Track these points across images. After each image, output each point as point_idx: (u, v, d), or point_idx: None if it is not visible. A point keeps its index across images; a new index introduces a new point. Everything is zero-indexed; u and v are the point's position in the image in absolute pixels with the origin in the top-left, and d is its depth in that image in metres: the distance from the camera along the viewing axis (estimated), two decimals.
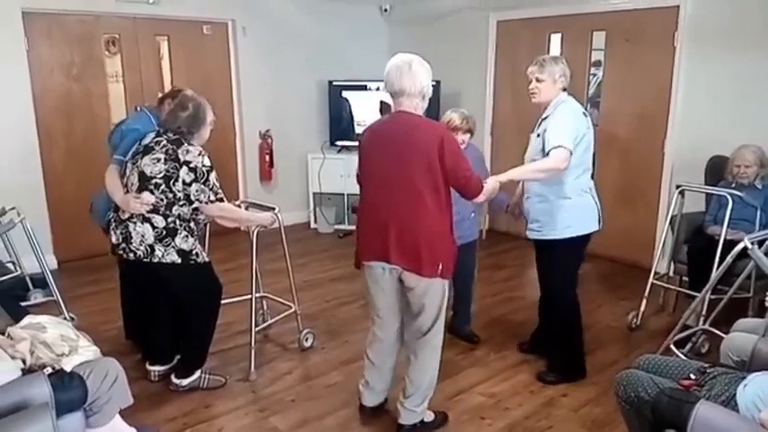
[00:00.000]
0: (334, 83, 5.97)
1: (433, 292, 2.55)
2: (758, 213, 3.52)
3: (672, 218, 3.88)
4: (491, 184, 2.69)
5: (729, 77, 4.25)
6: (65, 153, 4.89)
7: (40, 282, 3.94)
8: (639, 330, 3.77)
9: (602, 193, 4.95)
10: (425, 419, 2.77)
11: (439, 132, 2.42)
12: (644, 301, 3.77)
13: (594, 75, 5.31)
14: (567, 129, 2.80)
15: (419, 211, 2.43)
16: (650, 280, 3.79)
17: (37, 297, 3.99)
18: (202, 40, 5.54)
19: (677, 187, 3.76)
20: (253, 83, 5.79)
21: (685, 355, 2.98)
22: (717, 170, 4.06)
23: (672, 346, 3.00)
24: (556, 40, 5.30)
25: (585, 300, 4.36)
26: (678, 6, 4.39)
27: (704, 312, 3.31)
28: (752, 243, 2.45)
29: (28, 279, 4.07)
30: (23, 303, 3.80)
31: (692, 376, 2.12)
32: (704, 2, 4.30)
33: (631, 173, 4.89)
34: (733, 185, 3.75)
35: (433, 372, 2.71)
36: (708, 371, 2.12)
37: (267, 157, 5.94)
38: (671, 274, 4.08)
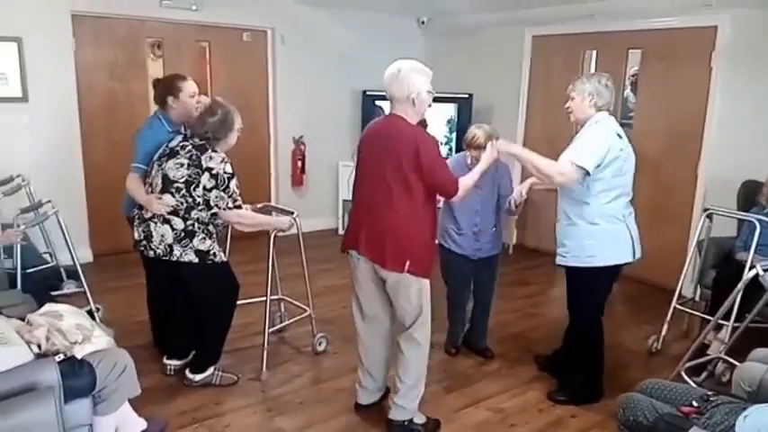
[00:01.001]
0: (368, 92, 6.04)
1: (405, 287, 2.64)
2: None
3: (699, 242, 3.78)
4: (489, 150, 2.80)
5: (766, 100, 4.12)
6: (105, 150, 5.09)
7: (73, 273, 4.10)
8: (659, 355, 3.68)
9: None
10: (416, 420, 2.82)
11: (415, 136, 2.54)
12: (665, 326, 3.68)
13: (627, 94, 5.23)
14: (589, 147, 2.71)
15: (389, 209, 2.57)
16: (673, 304, 3.70)
17: (69, 288, 4.15)
18: (241, 46, 5.70)
19: (704, 210, 3.66)
20: (288, 90, 5.91)
21: (700, 384, 2.89)
22: (749, 195, 3.94)
23: (683, 373, 2.92)
24: (591, 57, 5.24)
25: (608, 321, 4.28)
26: (716, 27, 4.30)
27: (726, 340, 3.21)
28: (765, 270, 2.37)
29: (62, 270, 4.25)
30: (55, 293, 3.97)
31: (695, 403, 2.08)
32: (742, 23, 4.19)
33: (663, 194, 4.79)
34: (766, 210, 3.64)
35: (419, 368, 2.77)
36: (711, 399, 2.08)
37: (299, 163, 6.05)
38: (696, 299, 3.97)
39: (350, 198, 6.24)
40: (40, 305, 2.70)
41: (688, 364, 2.99)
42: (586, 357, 3.08)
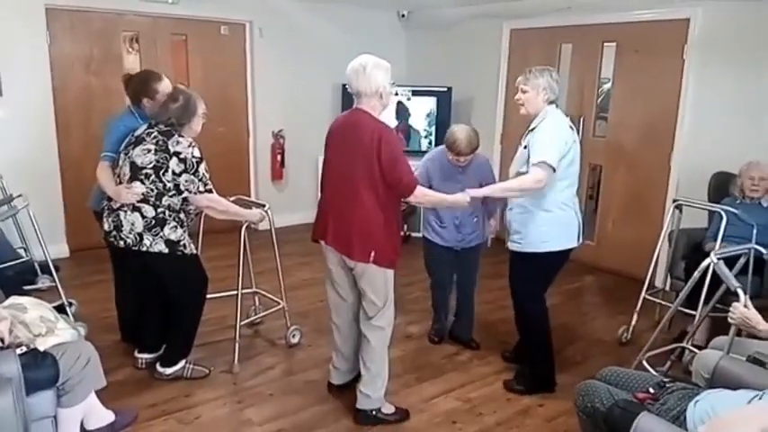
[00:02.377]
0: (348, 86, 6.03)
1: (371, 277, 2.71)
2: (754, 232, 3.44)
3: (670, 233, 3.82)
4: (459, 197, 2.83)
5: (738, 92, 4.18)
6: (81, 145, 5.05)
7: (48, 268, 4.09)
8: (629, 345, 3.72)
9: (608, 205, 4.94)
10: (383, 410, 2.88)
11: (378, 131, 2.57)
12: (635, 316, 3.73)
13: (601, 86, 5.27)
14: (551, 144, 2.78)
15: (354, 202, 2.63)
16: (642, 294, 3.74)
17: (44, 282, 4.15)
18: (220, 40, 5.68)
19: (674, 201, 3.70)
20: (268, 83, 5.90)
21: (665, 373, 2.92)
22: (720, 186, 3.99)
23: (644, 362, 2.96)
24: (567, 50, 5.26)
25: (582, 311, 4.37)
26: (688, 19, 4.34)
27: (692, 330, 3.25)
28: (718, 258, 2.41)
29: (36, 265, 4.23)
30: (29, 287, 3.96)
31: (651, 390, 2.10)
32: (715, 15, 4.24)
33: (637, 186, 4.84)
34: (738, 201, 3.69)
35: (381, 357, 2.84)
36: (667, 385, 2.11)
37: (279, 157, 6.05)
38: (667, 289, 4.01)
39: None
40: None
41: (650, 353, 3.04)
42: (534, 344, 3.14)
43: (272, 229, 3.48)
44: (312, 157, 6.20)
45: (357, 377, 2.99)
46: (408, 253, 3.59)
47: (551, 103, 2.89)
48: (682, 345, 3.14)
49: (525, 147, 2.91)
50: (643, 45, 4.67)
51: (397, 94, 5.71)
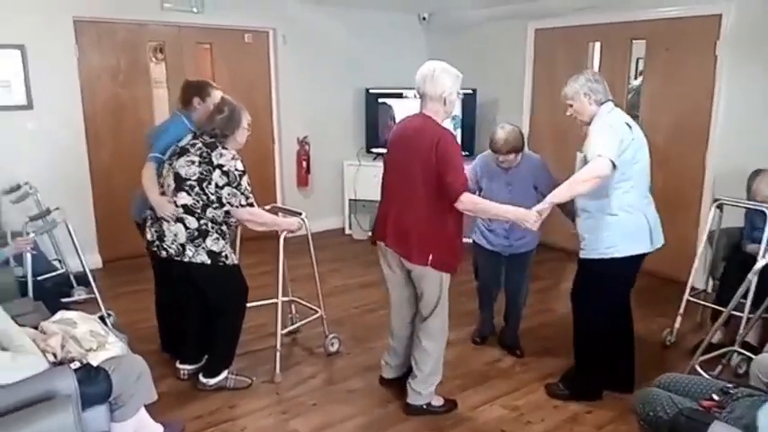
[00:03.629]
0: (371, 90, 6.03)
1: (429, 281, 2.77)
2: None
3: (710, 233, 3.76)
4: (522, 213, 2.70)
5: None
6: (111, 156, 5.09)
7: (83, 280, 4.11)
8: (673, 348, 3.67)
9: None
10: (433, 402, 2.97)
11: (438, 135, 2.62)
12: (678, 318, 3.67)
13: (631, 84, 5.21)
14: (603, 139, 2.67)
15: (413, 204, 2.69)
16: (685, 296, 3.69)
17: (80, 294, 4.17)
18: (244, 48, 5.69)
19: (714, 201, 3.64)
20: (291, 90, 5.90)
21: (716, 377, 2.87)
22: None
23: (697, 367, 2.90)
24: (595, 48, 5.21)
25: None
26: (720, 15, 4.27)
27: (740, 332, 3.19)
28: None
29: (72, 277, 4.26)
30: (66, 300, 3.97)
31: (715, 397, 2.06)
32: (747, 10, 4.16)
33: (671, 185, 4.75)
34: None
35: (435, 358, 2.90)
36: (731, 392, 2.06)
37: (304, 164, 6.04)
38: (709, 290, 3.94)
39: (356, 197, 6.34)
40: (52, 312, 2.70)
41: (702, 358, 2.97)
42: (587, 353, 3.05)
43: (309, 237, 3.47)
44: (337, 163, 6.20)
45: (407, 373, 3.04)
46: None
47: (602, 103, 2.78)
48: (734, 348, 3.07)
49: (582, 152, 2.82)
50: (674, 42, 4.61)
51: (415, 96, 5.67)
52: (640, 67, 5.35)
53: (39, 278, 3.72)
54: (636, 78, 5.56)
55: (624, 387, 3.03)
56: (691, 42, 4.51)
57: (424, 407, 2.95)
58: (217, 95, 3.24)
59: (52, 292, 3.82)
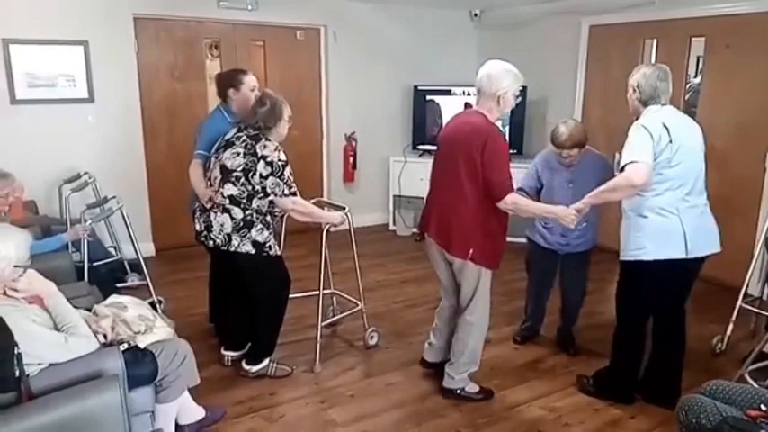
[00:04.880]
0: (419, 87, 6.03)
1: (468, 274, 2.84)
2: None
3: (767, 238, 3.60)
4: (561, 210, 2.78)
5: None
6: (166, 148, 5.27)
7: (137, 266, 4.27)
8: (724, 356, 3.53)
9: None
10: (467, 389, 3.06)
11: (486, 133, 2.66)
12: (730, 326, 3.53)
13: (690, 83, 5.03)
14: (635, 144, 2.61)
15: (457, 198, 2.74)
16: (738, 303, 3.54)
17: (133, 280, 4.34)
18: (295, 45, 5.78)
19: None
20: (341, 86, 5.97)
21: (766, 386, 2.75)
22: None
23: (746, 375, 2.78)
24: (651, 46, 5.06)
25: None
26: None
27: None
28: None
29: (126, 263, 4.43)
30: (120, 285, 4.15)
31: (763, 407, 1.98)
32: None
33: (729, 187, 4.56)
34: None
35: (472, 348, 2.98)
36: None
37: (351, 159, 6.10)
38: (764, 297, 3.77)
39: (400, 194, 6.36)
40: (105, 297, 2.83)
41: (752, 366, 2.86)
42: (618, 352, 3.00)
43: (352, 232, 3.50)
44: (383, 159, 6.23)
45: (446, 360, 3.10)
46: None
47: (647, 104, 2.70)
48: None
49: (620, 154, 2.74)
50: (734, 39, 4.42)
51: (469, 94, 5.65)
52: (701, 66, 5.17)
53: (95, 264, 3.91)
54: (696, 77, 5.37)
55: (667, 401, 2.87)
56: (752, 40, 4.31)
57: (458, 392, 3.04)
58: (250, 80, 3.32)
59: (107, 278, 4.00)
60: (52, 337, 2.13)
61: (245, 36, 5.54)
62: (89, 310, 2.50)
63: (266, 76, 5.68)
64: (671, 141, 2.62)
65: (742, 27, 4.37)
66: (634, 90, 2.71)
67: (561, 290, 3.60)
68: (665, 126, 2.63)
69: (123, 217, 3.83)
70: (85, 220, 3.68)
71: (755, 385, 2.60)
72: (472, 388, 3.07)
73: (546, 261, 3.50)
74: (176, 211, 4.92)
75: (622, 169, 2.63)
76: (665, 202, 2.66)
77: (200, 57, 5.41)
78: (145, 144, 5.14)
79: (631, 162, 2.58)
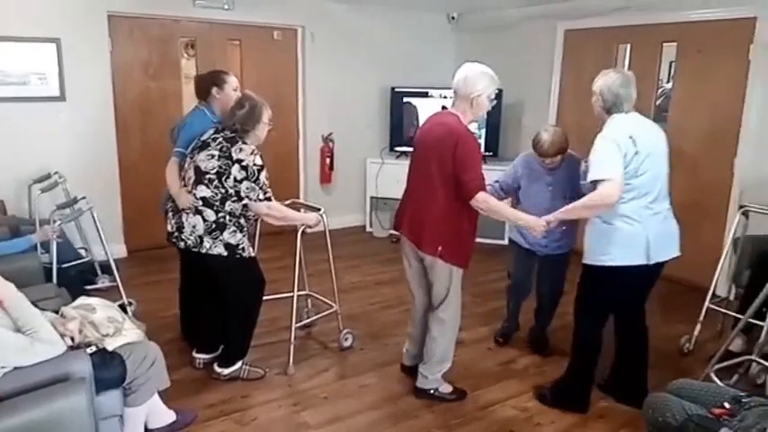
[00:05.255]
0: (396, 89, 6.04)
1: (439, 271, 2.88)
2: None
3: (734, 239, 3.68)
4: (533, 221, 2.84)
5: None
6: (139, 147, 5.20)
7: (107, 268, 4.21)
8: (691, 356, 3.60)
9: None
10: (441, 389, 3.08)
11: (458, 134, 2.71)
12: (698, 326, 3.60)
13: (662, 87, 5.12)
14: (605, 158, 2.60)
15: (429, 196, 2.81)
16: (706, 303, 3.61)
17: (104, 282, 4.27)
18: (272, 45, 5.75)
19: (740, 207, 3.56)
20: (318, 87, 5.95)
21: (732, 386, 2.81)
22: None
23: (712, 375, 2.84)
24: (625, 51, 5.13)
25: None
26: (755, 18, 4.16)
27: (760, 341, 3.11)
28: None
29: (96, 265, 4.36)
30: (90, 287, 4.08)
31: (726, 405, 2.02)
32: None
33: (698, 190, 4.66)
34: None
35: (444, 347, 3.01)
36: (744, 400, 2.02)
37: (328, 160, 6.08)
38: (731, 298, 3.86)
39: (377, 195, 6.36)
40: (75, 299, 2.78)
41: (718, 366, 2.92)
42: (573, 360, 3.01)
43: (327, 234, 3.49)
44: (360, 160, 6.23)
45: None
46: None
47: (610, 112, 2.69)
48: (751, 357, 3.00)
49: (585, 163, 2.79)
50: (706, 45, 4.51)
51: (446, 97, 5.68)
52: (673, 71, 5.26)
53: (64, 265, 3.83)
54: (668, 81, 5.45)
55: (635, 400, 2.87)
56: (723, 46, 4.41)
57: (432, 392, 3.06)
58: (233, 81, 3.35)
59: (76, 280, 3.93)
60: (16, 340, 2.09)
61: (222, 35, 5.50)
62: (56, 312, 2.45)
63: (242, 76, 5.62)
64: (637, 152, 2.62)
65: (712, 34, 4.46)
66: (597, 97, 2.72)
67: (537, 291, 3.63)
68: (631, 137, 2.62)
69: (93, 218, 3.77)
70: (55, 221, 3.62)
71: (720, 384, 2.66)
72: (446, 388, 3.10)
73: (525, 261, 3.54)
74: (149, 212, 4.85)
75: (594, 184, 2.62)
76: (630, 209, 2.68)
77: (176, 55, 5.35)
78: (118, 143, 5.06)
79: (603, 180, 2.58)
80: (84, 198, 3.90)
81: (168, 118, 5.25)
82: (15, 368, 2.06)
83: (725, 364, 2.95)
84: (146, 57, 5.16)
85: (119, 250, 5.02)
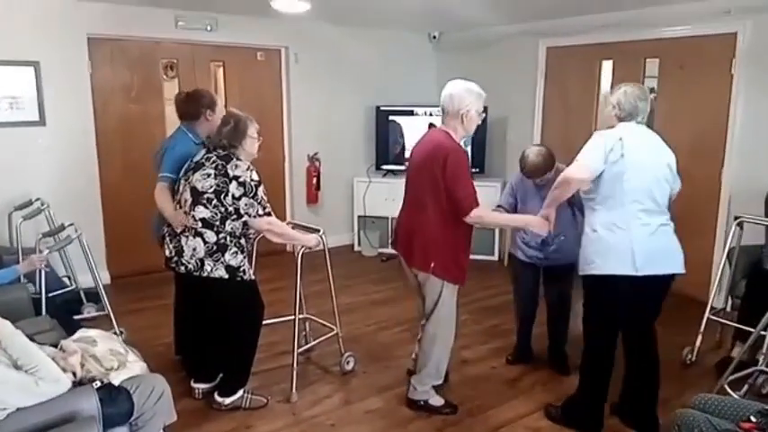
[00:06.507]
0: (382, 108, 6.03)
1: (430, 286, 2.91)
2: None
3: (730, 250, 3.72)
4: (530, 218, 2.95)
5: None
6: (121, 171, 5.07)
7: (93, 296, 4.06)
8: (694, 367, 3.61)
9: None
10: (431, 401, 3.08)
11: (446, 150, 2.74)
12: (699, 337, 3.61)
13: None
14: (585, 148, 2.68)
15: (421, 213, 2.85)
16: (706, 315, 3.63)
17: (90, 311, 4.11)
18: (256, 66, 5.70)
19: (735, 219, 3.61)
20: (303, 107, 5.91)
21: (742, 397, 2.82)
22: None
23: (726, 387, 2.84)
24: (607, 67, 5.22)
25: None
26: (736, 33, 4.27)
27: (764, 351, 3.13)
28: None
29: (82, 293, 4.20)
30: (77, 317, 3.92)
31: (753, 419, 2.01)
32: (763, 29, 4.16)
33: (686, 204, 4.68)
34: None
35: (435, 361, 3.01)
36: None
37: (314, 180, 6.02)
38: (728, 309, 3.89)
39: (365, 214, 6.33)
40: (66, 330, 2.66)
41: (732, 377, 2.92)
42: (583, 374, 2.94)
43: (327, 254, 3.43)
44: (347, 180, 6.18)
45: None
46: None
47: (623, 120, 2.73)
48: (760, 368, 3.01)
49: None
50: (688, 60, 4.61)
51: (431, 114, 5.69)
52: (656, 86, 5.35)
53: (49, 295, 3.68)
54: (652, 94, 5.54)
55: (643, 426, 2.88)
56: (705, 61, 4.50)
57: (422, 403, 3.07)
58: (221, 104, 3.37)
59: (62, 309, 3.76)
60: (20, 379, 1.97)
61: (204, 56, 5.43)
62: (55, 346, 2.33)
63: (226, 97, 5.57)
64: (623, 156, 2.61)
65: (695, 49, 4.55)
66: (614, 107, 2.75)
67: (546, 300, 3.59)
68: (620, 140, 2.63)
69: (82, 246, 3.63)
70: (41, 250, 3.48)
71: (735, 396, 2.65)
72: (436, 401, 3.08)
73: (527, 275, 3.52)
74: (132, 238, 4.74)
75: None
76: (616, 217, 2.66)
77: (158, 77, 5.26)
78: (99, 168, 4.93)
79: (576, 161, 2.67)
80: (72, 224, 3.76)
81: (151, 140, 5.12)
82: (18, 409, 1.94)
83: (735, 375, 2.95)
84: (127, 79, 5.07)
85: (102, 277, 4.81)
